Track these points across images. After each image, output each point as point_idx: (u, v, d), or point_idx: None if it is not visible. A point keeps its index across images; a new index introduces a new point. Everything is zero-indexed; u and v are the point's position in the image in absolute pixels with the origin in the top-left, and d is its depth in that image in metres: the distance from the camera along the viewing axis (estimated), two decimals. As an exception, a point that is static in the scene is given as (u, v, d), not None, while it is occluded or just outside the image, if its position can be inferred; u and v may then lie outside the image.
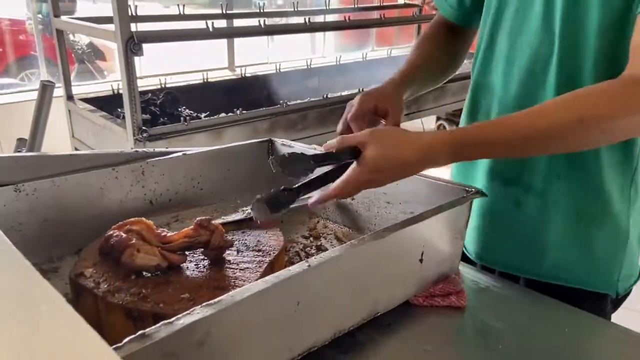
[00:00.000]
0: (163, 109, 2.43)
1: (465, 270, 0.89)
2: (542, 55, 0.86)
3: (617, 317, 0.91)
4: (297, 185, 0.77)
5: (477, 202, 0.85)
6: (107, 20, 2.09)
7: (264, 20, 2.27)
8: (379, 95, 0.90)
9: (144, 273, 0.75)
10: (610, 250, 0.90)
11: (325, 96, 2.47)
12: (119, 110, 2.25)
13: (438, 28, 1.08)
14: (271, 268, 0.77)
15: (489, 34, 0.94)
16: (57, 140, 2.21)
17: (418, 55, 1.02)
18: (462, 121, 1.05)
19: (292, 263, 0.77)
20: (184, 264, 0.77)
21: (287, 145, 1.08)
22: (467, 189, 0.82)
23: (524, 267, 0.94)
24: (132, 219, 0.80)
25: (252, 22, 2.44)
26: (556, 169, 0.88)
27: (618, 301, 0.94)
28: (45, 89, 1.40)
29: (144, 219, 0.80)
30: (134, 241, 0.75)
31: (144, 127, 1.96)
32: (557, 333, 0.73)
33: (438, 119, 4.52)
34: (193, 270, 0.75)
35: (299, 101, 2.45)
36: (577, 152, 0.83)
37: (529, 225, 0.92)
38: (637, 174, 0.88)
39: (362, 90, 1.05)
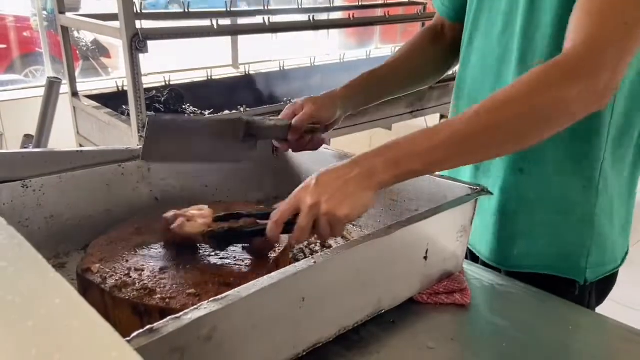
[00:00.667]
0: (167, 106, 2.44)
1: (469, 269, 0.89)
2: (507, 53, 0.90)
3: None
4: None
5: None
6: (112, 17, 2.09)
7: (269, 18, 2.27)
8: (316, 105, 0.92)
9: (153, 267, 0.76)
10: (576, 237, 0.91)
11: None
12: (124, 107, 2.25)
13: (423, 34, 1.09)
14: (276, 265, 0.77)
15: (469, 34, 0.98)
16: (62, 137, 2.22)
17: (385, 65, 1.04)
18: (450, 114, 1.09)
19: (297, 260, 0.79)
20: (194, 261, 0.77)
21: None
22: (472, 187, 0.83)
23: (492, 256, 0.97)
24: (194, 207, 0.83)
25: (256, 19, 2.44)
26: (517, 163, 0.90)
27: (599, 291, 0.95)
28: (52, 85, 1.41)
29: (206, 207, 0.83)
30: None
31: (148, 124, 1.97)
32: (560, 330, 0.74)
33: (442, 117, 4.52)
34: (199, 267, 0.76)
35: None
36: (539, 147, 0.80)
37: (498, 216, 0.94)
38: (605, 164, 0.87)
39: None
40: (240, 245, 0.81)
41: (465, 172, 1.00)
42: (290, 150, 0.96)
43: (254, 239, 0.78)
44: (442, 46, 1.09)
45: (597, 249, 0.92)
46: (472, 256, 1.03)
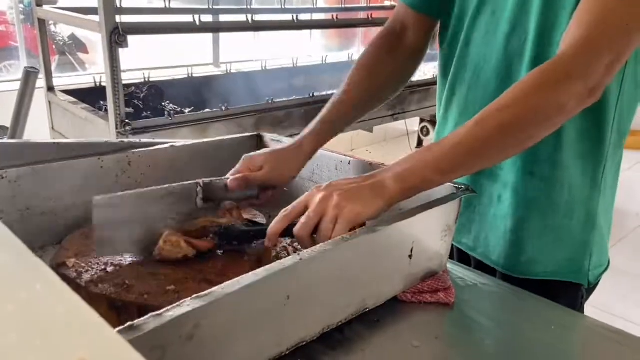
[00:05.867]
0: (146, 103, 2.41)
1: (453, 268, 0.89)
2: (516, 57, 0.87)
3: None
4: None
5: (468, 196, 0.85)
6: (92, 11, 2.06)
7: (251, 17, 2.25)
8: (276, 168, 0.88)
9: (128, 259, 0.74)
10: (581, 240, 0.91)
11: (311, 94, 2.46)
12: (102, 102, 2.21)
13: (379, 44, 1.01)
14: (258, 262, 0.76)
15: (466, 33, 0.94)
16: (36, 132, 2.17)
17: (346, 97, 0.97)
18: (438, 122, 1.06)
19: (279, 259, 0.77)
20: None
21: (276, 140, 1.07)
22: (457, 186, 0.82)
23: (502, 262, 0.95)
24: None
25: (239, 17, 2.42)
26: (528, 166, 0.89)
27: (588, 292, 0.96)
28: (29, 75, 1.37)
29: None
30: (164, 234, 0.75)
31: (127, 121, 1.93)
32: (543, 330, 0.74)
33: (422, 120, 4.55)
34: (179, 263, 0.74)
35: (285, 99, 2.44)
36: (547, 148, 0.81)
37: (508, 221, 0.93)
38: (607, 162, 0.89)
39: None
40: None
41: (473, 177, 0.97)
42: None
43: (255, 241, 0.78)
44: (402, 54, 1.01)
45: (597, 250, 0.93)
46: (478, 264, 1.00)
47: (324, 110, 0.95)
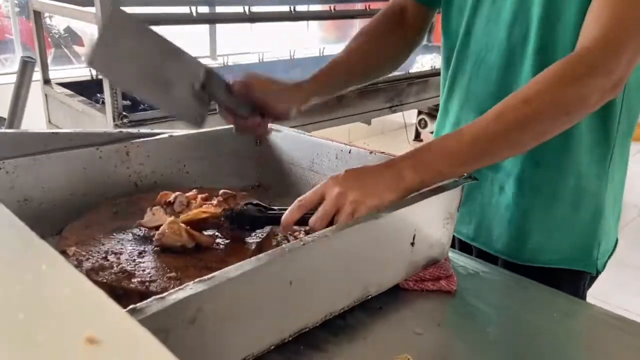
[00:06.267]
0: None
1: (454, 256, 0.89)
2: (519, 46, 0.87)
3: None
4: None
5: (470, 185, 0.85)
6: (88, 2, 2.04)
7: (248, 8, 2.24)
8: (272, 92, 0.89)
9: (130, 250, 0.73)
10: (590, 228, 0.91)
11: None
12: (98, 95, 2.20)
13: (380, 22, 1.03)
14: (259, 250, 0.76)
15: (466, 23, 0.93)
16: (33, 125, 2.16)
17: (345, 58, 0.99)
18: (439, 113, 1.05)
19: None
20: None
21: (276, 130, 1.07)
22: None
23: (507, 250, 0.95)
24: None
25: (236, 9, 2.41)
26: (534, 156, 0.89)
27: (591, 280, 0.96)
28: (26, 65, 1.35)
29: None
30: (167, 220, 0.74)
31: (124, 113, 1.92)
32: (546, 317, 0.73)
33: (420, 113, 4.53)
34: (178, 252, 0.74)
35: None
36: (555, 138, 0.82)
37: (512, 210, 0.93)
38: (615, 152, 0.89)
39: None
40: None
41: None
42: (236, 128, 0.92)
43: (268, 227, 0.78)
44: (401, 33, 1.02)
45: (605, 238, 0.93)
46: (479, 253, 0.99)
47: (318, 71, 0.96)
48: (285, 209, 0.73)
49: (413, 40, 1.04)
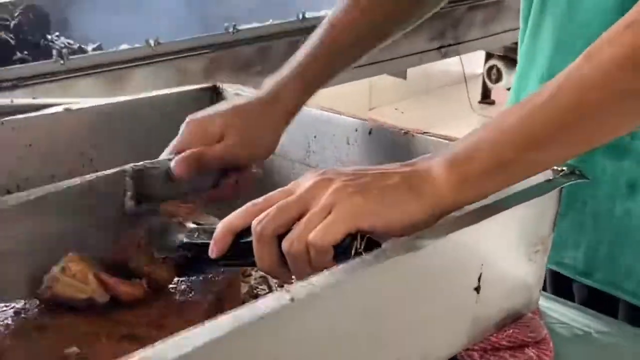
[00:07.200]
0: (21, 37, 1.81)
1: (549, 306, 0.65)
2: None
3: None
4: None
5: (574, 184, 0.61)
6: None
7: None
8: (241, 142, 0.63)
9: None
10: None
11: (301, 16, 1.78)
12: None
13: None
14: (219, 304, 0.53)
15: None
16: None
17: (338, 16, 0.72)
18: (520, 60, 0.80)
19: (257, 295, 0.57)
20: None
21: (245, 94, 0.79)
22: (553, 168, 0.56)
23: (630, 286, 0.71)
24: None
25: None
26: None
27: None
28: None
29: None
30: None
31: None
32: None
33: (489, 56, 3.18)
34: (84, 308, 0.52)
35: (255, 24, 1.78)
36: None
37: None
38: None
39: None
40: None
41: None
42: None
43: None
44: None
45: None
46: (593, 297, 0.75)
47: (310, 40, 0.70)
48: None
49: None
